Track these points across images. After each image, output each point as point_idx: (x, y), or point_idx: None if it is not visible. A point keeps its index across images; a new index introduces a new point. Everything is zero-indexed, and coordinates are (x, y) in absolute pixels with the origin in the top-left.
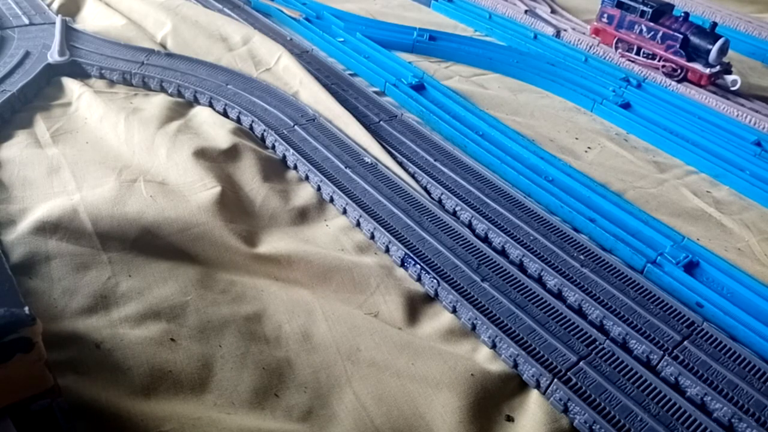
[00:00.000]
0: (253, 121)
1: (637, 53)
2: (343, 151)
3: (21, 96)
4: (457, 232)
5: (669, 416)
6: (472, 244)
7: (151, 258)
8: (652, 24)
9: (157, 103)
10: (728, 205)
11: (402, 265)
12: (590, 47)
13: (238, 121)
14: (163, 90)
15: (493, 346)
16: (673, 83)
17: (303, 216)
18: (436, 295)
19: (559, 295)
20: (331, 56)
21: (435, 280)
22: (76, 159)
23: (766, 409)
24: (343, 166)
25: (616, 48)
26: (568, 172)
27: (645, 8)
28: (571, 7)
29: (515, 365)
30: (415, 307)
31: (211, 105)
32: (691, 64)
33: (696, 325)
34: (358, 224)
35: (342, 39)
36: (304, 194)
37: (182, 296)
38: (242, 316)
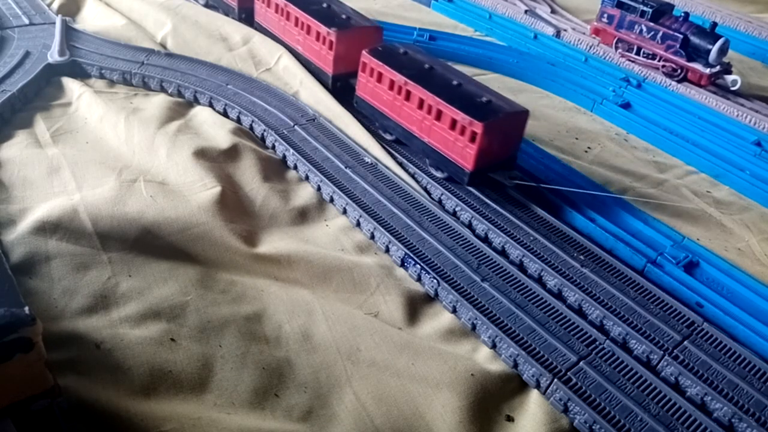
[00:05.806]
0: (253, 121)
1: (637, 53)
2: (343, 151)
3: (21, 96)
4: (457, 232)
5: (669, 416)
6: (472, 244)
7: (151, 258)
8: (652, 24)
9: (157, 103)
10: (728, 205)
11: (402, 265)
12: (590, 47)
13: (238, 121)
14: (163, 90)
15: (493, 346)
16: (673, 83)
17: (303, 216)
18: (436, 295)
19: (559, 295)
20: None
21: (435, 280)
22: (76, 159)
23: (766, 409)
24: (343, 166)
25: (616, 48)
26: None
27: (645, 8)
28: (571, 7)
29: (515, 365)
30: (415, 307)
31: (211, 105)
32: (691, 64)
33: (696, 325)
34: (358, 224)
35: None
36: (304, 194)
37: (182, 296)
38: (242, 316)
